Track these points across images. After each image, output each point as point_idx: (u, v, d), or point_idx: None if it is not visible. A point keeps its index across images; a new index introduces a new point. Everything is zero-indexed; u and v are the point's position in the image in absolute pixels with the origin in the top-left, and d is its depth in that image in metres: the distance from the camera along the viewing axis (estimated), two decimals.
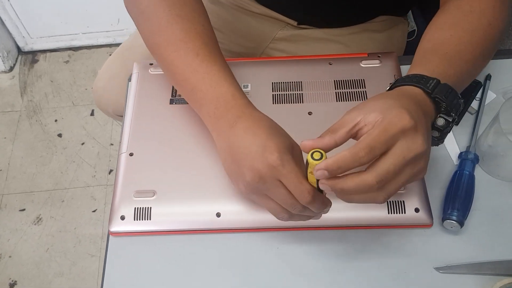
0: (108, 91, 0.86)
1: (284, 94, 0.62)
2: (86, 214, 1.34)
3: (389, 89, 0.49)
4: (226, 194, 0.54)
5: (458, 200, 0.52)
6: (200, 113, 0.53)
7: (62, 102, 1.56)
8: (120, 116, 0.92)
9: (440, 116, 0.47)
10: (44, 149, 1.46)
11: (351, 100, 0.60)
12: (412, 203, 0.53)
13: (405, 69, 0.61)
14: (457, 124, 0.55)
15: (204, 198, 0.54)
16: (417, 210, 0.53)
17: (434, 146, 0.50)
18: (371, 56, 0.64)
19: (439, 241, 0.53)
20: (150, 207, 0.54)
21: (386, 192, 0.41)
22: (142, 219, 0.53)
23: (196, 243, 0.54)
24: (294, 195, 0.44)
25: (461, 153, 0.57)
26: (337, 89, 0.62)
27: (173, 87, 0.63)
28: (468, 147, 0.58)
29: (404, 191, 0.53)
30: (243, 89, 0.55)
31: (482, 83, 0.63)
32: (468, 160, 0.56)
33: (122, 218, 0.54)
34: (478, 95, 0.62)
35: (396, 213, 0.53)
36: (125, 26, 1.63)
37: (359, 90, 0.61)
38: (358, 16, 0.81)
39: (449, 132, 0.48)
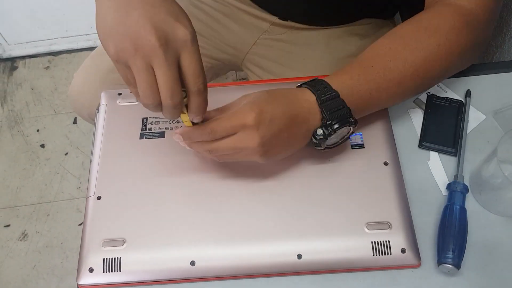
0: (83, 94, 0.83)
1: None
2: (72, 227, 1.31)
3: (297, 86, 0.53)
4: (201, 239, 0.51)
5: (452, 240, 0.49)
6: None
7: (43, 111, 1.52)
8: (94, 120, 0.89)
9: (320, 127, 0.50)
10: (27, 161, 1.42)
11: None
12: (398, 243, 0.50)
13: None
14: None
15: (178, 244, 0.51)
16: (403, 250, 0.50)
17: (423, 175, 0.53)
18: None
19: (430, 282, 0.50)
20: (120, 257, 0.50)
21: (213, 156, 0.50)
22: (112, 271, 0.50)
23: None
24: (159, 88, 0.43)
25: (449, 183, 0.54)
26: None
27: (143, 119, 0.59)
28: (456, 176, 0.54)
29: (389, 230, 0.50)
30: None
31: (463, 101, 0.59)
32: (458, 191, 0.53)
33: (91, 270, 0.50)
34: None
35: (381, 254, 0.50)
36: None
37: None
38: (342, 15, 0.77)
39: (325, 141, 0.51)
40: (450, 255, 0.49)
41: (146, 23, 0.42)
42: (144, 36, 0.42)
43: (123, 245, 0.51)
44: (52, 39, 1.59)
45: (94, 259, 0.51)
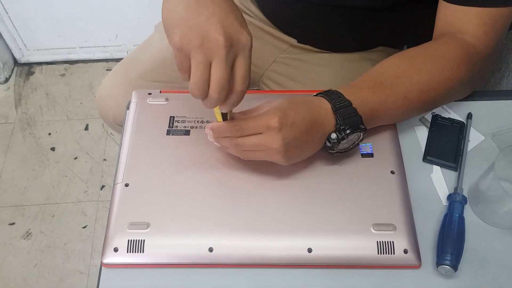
0: (111, 98, 0.88)
1: None
2: (76, 230, 1.34)
3: (314, 95, 0.58)
4: (220, 228, 0.55)
5: (451, 244, 0.53)
6: None
7: (56, 116, 1.56)
8: (119, 125, 0.93)
9: (334, 131, 0.55)
10: (36, 163, 1.46)
11: None
12: (401, 244, 0.54)
13: None
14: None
15: (198, 231, 0.55)
16: (405, 251, 0.54)
17: (425, 186, 0.59)
18: None
19: (428, 283, 0.54)
20: (144, 240, 0.54)
21: (240, 150, 0.55)
22: (135, 252, 0.54)
23: (188, 277, 0.54)
24: (211, 82, 0.48)
25: (450, 194, 0.59)
26: None
27: (170, 117, 0.64)
28: (456, 188, 0.59)
29: (393, 232, 0.55)
30: None
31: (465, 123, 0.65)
32: (457, 202, 0.57)
33: (116, 250, 0.54)
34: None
35: (386, 253, 0.54)
36: (122, 42, 1.64)
37: None
38: (357, 44, 0.83)
39: (338, 144, 0.56)
40: (448, 257, 0.53)
41: (217, 23, 0.47)
42: (212, 34, 0.47)
43: (147, 228, 0.55)
44: (70, 48, 1.65)
45: (120, 240, 0.54)
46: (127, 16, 1.53)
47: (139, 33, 1.58)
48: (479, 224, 0.58)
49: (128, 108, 0.66)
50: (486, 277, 0.54)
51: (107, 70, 1.66)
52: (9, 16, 1.51)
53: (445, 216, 0.57)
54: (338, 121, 0.55)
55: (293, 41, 0.86)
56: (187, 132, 0.62)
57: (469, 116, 0.66)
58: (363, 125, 0.55)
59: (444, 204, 0.59)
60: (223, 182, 0.58)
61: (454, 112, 0.66)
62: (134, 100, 0.66)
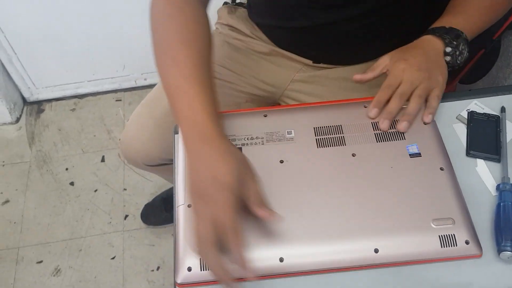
0: (137, 141, 0.89)
1: (326, 138, 0.65)
2: (105, 261, 1.34)
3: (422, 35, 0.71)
4: (287, 238, 0.57)
5: (509, 230, 0.55)
6: (178, 125, 0.61)
7: (71, 150, 1.58)
8: (149, 165, 0.94)
9: (446, 46, 0.69)
10: (57, 199, 1.47)
11: (390, 140, 0.64)
12: (461, 235, 0.56)
13: None
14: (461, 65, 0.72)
15: (267, 244, 0.57)
16: (467, 242, 0.56)
17: (473, 179, 0.62)
18: None
19: (490, 270, 0.56)
20: None
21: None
22: (209, 269, 0.55)
23: None
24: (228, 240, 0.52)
25: (498, 185, 0.61)
26: (375, 130, 0.66)
27: None
28: (504, 178, 0.62)
29: (453, 225, 0.57)
30: (287, 135, 0.64)
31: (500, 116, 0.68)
32: (507, 191, 0.60)
33: (189, 269, 0.56)
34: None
35: (449, 246, 0.56)
36: (130, 72, 1.66)
37: (395, 130, 0.65)
38: (366, 56, 0.87)
39: (456, 57, 0.69)
40: (509, 243, 0.55)
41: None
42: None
43: None
44: (78, 82, 1.67)
45: (192, 259, 0.56)
46: (134, 46, 1.56)
47: (146, 62, 1.61)
48: None
49: (176, 132, 0.68)
50: None
51: (116, 101, 1.69)
52: (17, 57, 1.54)
53: (498, 205, 0.59)
54: (443, 39, 0.69)
55: (309, 62, 0.88)
56: (239, 149, 0.65)
57: (503, 109, 0.69)
58: (464, 34, 0.69)
59: (493, 194, 0.62)
60: (284, 193, 0.60)
61: (488, 107, 0.70)
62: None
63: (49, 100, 1.70)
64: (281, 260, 0.56)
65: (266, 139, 0.65)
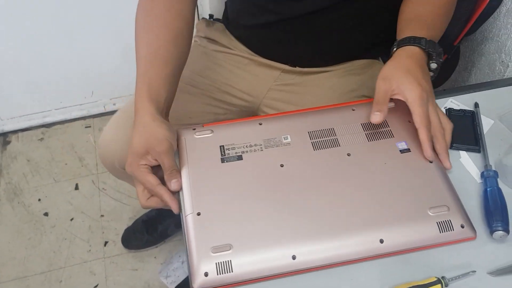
0: (115, 143, 0.88)
1: (321, 140, 0.69)
2: None
3: (395, 50, 0.71)
4: (298, 235, 0.59)
5: (498, 212, 0.60)
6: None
7: (42, 180, 1.53)
8: (123, 168, 0.94)
9: (432, 62, 0.70)
10: (31, 231, 1.42)
11: (380, 139, 0.69)
12: (457, 220, 0.61)
13: None
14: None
15: (279, 243, 0.59)
16: (462, 226, 0.61)
17: (458, 169, 0.67)
18: None
19: (486, 250, 0.61)
20: (230, 260, 0.57)
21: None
22: (225, 273, 0.57)
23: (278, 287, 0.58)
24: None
25: (482, 172, 0.67)
26: (366, 130, 0.70)
27: (220, 147, 0.68)
28: (486, 166, 0.67)
29: (448, 212, 0.61)
30: (284, 140, 0.68)
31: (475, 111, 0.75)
32: (491, 177, 0.65)
33: (206, 274, 0.57)
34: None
35: (446, 231, 0.60)
36: (99, 98, 1.65)
37: (384, 129, 0.70)
38: (339, 57, 0.92)
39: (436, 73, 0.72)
40: (499, 223, 0.60)
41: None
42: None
43: (230, 250, 0.58)
44: (46, 111, 1.64)
45: (207, 264, 0.57)
46: (102, 71, 1.56)
47: (115, 87, 1.61)
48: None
49: (178, 145, 0.70)
50: None
51: (86, 127, 1.67)
52: None
53: (485, 191, 0.64)
54: (432, 53, 0.70)
55: (285, 67, 0.93)
56: (240, 157, 0.67)
57: (476, 105, 0.75)
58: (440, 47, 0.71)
59: (478, 182, 0.67)
60: (289, 193, 0.63)
61: (463, 104, 0.76)
62: (182, 137, 0.69)
63: (15, 131, 1.66)
64: (294, 257, 0.58)
65: (265, 145, 0.68)
